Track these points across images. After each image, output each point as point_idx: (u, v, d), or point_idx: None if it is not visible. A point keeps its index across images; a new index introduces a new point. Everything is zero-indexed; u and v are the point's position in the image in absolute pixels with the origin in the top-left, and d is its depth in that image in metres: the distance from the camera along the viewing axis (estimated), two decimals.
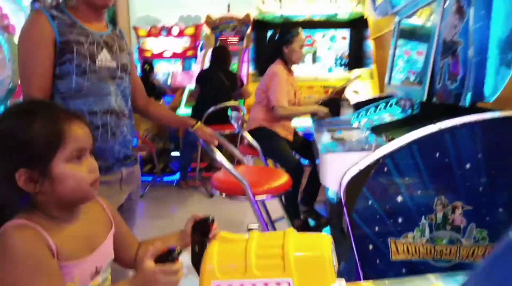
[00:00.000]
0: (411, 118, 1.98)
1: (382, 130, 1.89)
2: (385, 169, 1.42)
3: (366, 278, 1.51)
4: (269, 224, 2.19)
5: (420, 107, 1.97)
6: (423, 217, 1.43)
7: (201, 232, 1.03)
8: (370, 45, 4.29)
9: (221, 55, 4.00)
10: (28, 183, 0.82)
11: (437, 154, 1.39)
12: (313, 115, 2.64)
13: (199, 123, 1.81)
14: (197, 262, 0.96)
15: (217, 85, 3.82)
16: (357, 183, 1.44)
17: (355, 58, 4.59)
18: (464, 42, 1.55)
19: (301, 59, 2.76)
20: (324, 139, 1.87)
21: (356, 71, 4.18)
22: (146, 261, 0.84)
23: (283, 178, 1.98)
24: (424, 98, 1.81)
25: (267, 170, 2.21)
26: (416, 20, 2.38)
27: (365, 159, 1.44)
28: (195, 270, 0.96)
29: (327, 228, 2.70)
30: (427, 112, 1.91)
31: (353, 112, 2.63)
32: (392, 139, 1.62)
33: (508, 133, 1.36)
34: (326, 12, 4.46)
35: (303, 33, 2.71)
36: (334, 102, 2.83)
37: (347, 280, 0.96)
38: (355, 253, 1.50)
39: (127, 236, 1.07)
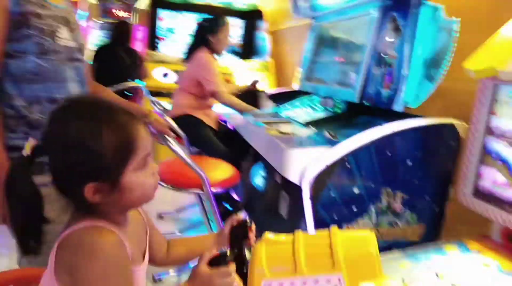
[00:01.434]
0: (340, 116, 2.24)
1: (317, 125, 2.10)
2: (347, 165, 1.62)
3: None
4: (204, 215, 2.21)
5: (346, 106, 2.25)
6: (372, 205, 1.68)
7: (239, 236, 1.05)
8: (263, 37, 4.51)
9: (123, 32, 3.69)
10: (95, 195, 0.74)
11: (388, 152, 1.64)
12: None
13: (153, 114, 1.73)
14: (237, 265, 0.98)
15: (118, 64, 3.53)
16: (323, 177, 1.60)
17: (248, 48, 4.79)
18: (399, 56, 1.84)
19: (225, 49, 2.79)
20: (269, 132, 1.96)
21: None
22: (201, 266, 0.84)
23: (231, 170, 2.02)
24: (356, 100, 2.07)
25: (212, 162, 2.21)
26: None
27: (330, 155, 1.60)
28: None
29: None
30: (353, 111, 2.20)
31: (272, 105, 2.80)
32: (335, 136, 1.84)
33: (440, 137, 1.69)
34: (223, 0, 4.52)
35: (229, 24, 2.74)
36: (251, 93, 2.95)
37: None
38: None
39: (157, 235, 1.03)
